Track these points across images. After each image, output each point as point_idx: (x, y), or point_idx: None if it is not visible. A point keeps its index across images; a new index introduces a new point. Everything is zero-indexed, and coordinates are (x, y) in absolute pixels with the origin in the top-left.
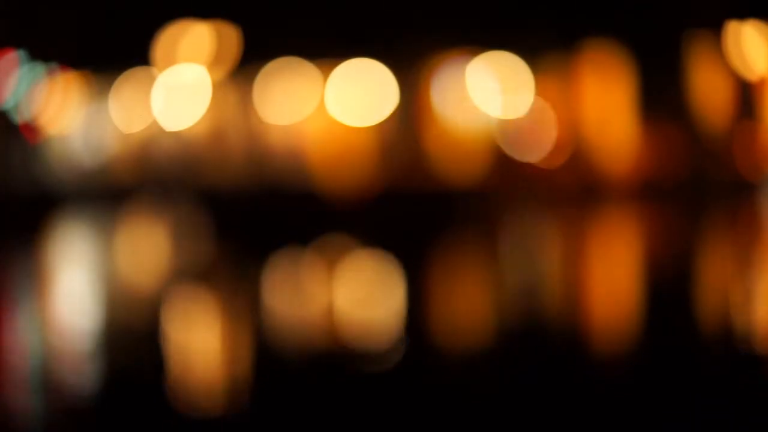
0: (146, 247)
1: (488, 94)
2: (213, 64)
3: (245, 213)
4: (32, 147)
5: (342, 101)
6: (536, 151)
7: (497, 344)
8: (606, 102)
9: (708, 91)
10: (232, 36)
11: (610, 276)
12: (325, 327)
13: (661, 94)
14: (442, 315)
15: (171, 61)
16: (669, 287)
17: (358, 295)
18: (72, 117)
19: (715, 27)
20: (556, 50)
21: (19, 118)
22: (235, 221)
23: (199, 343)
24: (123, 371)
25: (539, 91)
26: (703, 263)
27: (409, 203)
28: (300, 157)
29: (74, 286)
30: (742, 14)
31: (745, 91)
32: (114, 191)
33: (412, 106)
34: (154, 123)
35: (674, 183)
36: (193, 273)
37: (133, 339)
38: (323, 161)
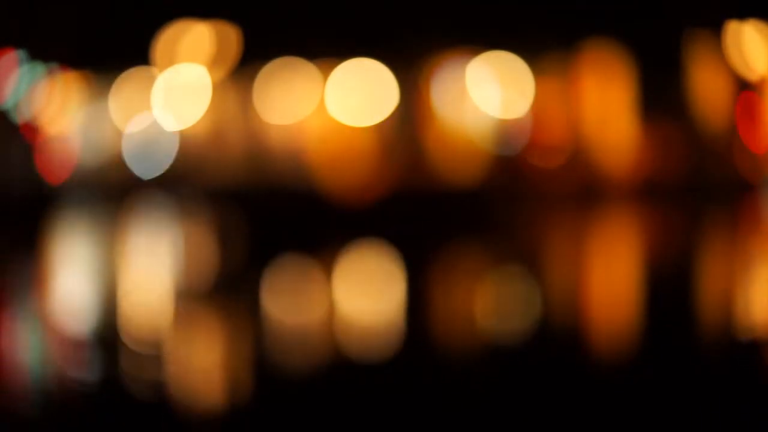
0: (146, 248)
1: (488, 94)
2: (213, 64)
3: (245, 213)
4: (32, 147)
5: (342, 101)
6: (536, 151)
7: (498, 345)
8: (606, 102)
9: (708, 91)
10: (232, 36)
11: (610, 276)
12: (327, 329)
13: (661, 94)
14: (444, 315)
15: (171, 61)
16: (669, 287)
17: (359, 296)
18: (72, 117)
19: (715, 27)
20: (556, 50)
21: (19, 118)
22: (234, 221)
23: (201, 345)
24: (123, 373)
25: (539, 91)
26: (703, 263)
27: (409, 203)
28: (300, 157)
29: (74, 287)
30: (742, 14)
31: (745, 91)
32: (114, 191)
33: (412, 106)
34: (154, 123)
35: (674, 183)
36: (193, 274)
37: (133, 341)
38: (323, 161)
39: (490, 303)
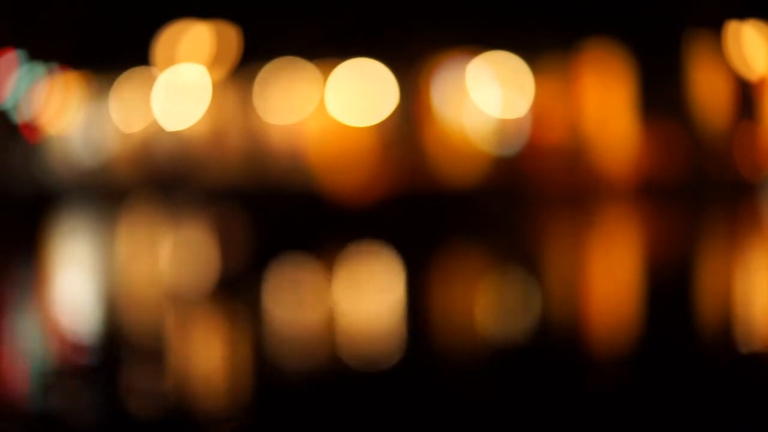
0: (146, 248)
1: (488, 94)
2: (213, 64)
3: (245, 213)
4: (32, 147)
5: (342, 101)
6: (536, 151)
7: (499, 346)
8: (606, 102)
9: (708, 91)
10: (232, 36)
11: (610, 276)
12: (328, 330)
13: (661, 94)
14: (444, 316)
15: (171, 61)
16: (669, 287)
17: (359, 297)
18: (72, 117)
19: (715, 27)
20: (556, 50)
21: (19, 118)
22: (234, 221)
23: (202, 346)
24: (124, 375)
25: (539, 91)
26: (703, 263)
27: (409, 203)
28: (300, 157)
29: (74, 287)
30: (742, 14)
31: (745, 91)
32: (114, 191)
33: (412, 106)
34: (154, 123)
35: (674, 183)
36: (193, 275)
37: (134, 342)
38: (323, 161)
39: (490, 303)
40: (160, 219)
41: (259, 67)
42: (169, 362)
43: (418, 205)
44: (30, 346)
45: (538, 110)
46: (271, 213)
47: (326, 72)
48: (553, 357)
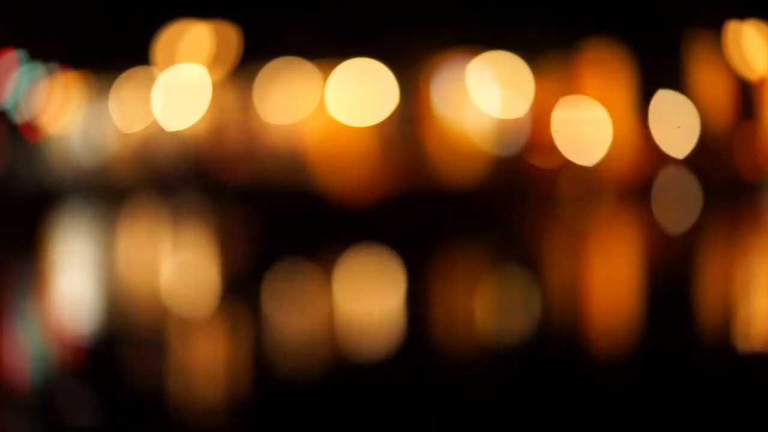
0: (146, 248)
1: (488, 94)
2: (213, 64)
3: (244, 213)
4: (32, 146)
5: (342, 101)
6: (536, 151)
7: (498, 346)
8: (606, 102)
9: (708, 91)
10: (232, 36)
11: (610, 276)
12: (328, 331)
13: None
14: (444, 316)
15: (171, 61)
16: (669, 288)
17: (359, 297)
18: (72, 117)
19: (715, 27)
20: (556, 50)
21: (19, 118)
22: (234, 221)
23: (202, 348)
24: (123, 375)
25: (539, 91)
26: (703, 264)
27: (409, 203)
28: (300, 157)
29: (74, 287)
30: (742, 14)
31: (745, 91)
32: (114, 191)
33: (412, 106)
34: (154, 123)
35: (673, 183)
36: (193, 275)
37: (133, 342)
38: (323, 161)
39: (490, 304)
40: (160, 219)
41: (259, 67)
42: (169, 363)
43: (418, 205)
44: (30, 347)
45: (538, 110)
46: (271, 213)
47: (326, 72)
48: (553, 357)
